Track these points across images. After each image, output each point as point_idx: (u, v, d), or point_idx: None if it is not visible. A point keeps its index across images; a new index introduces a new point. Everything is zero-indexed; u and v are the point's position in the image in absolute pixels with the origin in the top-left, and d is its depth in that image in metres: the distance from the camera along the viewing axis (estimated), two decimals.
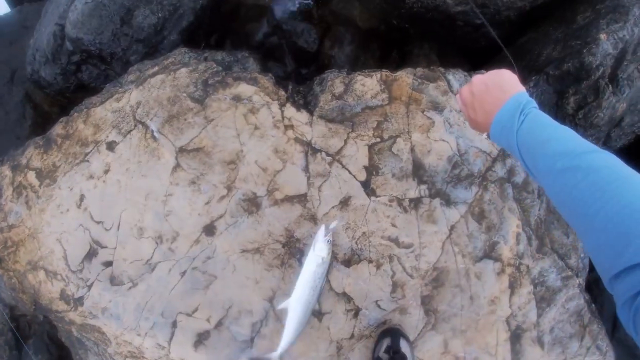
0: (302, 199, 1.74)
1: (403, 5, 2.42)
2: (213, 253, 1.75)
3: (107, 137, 1.85)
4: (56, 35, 2.94)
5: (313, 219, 1.73)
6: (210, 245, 1.75)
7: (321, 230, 1.61)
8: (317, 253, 1.58)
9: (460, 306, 1.71)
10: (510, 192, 1.85)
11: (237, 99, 1.84)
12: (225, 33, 3.18)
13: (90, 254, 1.76)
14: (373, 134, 1.79)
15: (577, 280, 1.86)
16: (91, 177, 1.81)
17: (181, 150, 1.80)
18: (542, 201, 2.06)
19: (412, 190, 1.77)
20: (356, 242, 1.73)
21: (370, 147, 1.77)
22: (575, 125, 2.37)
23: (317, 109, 1.81)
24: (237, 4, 3.34)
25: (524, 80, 2.34)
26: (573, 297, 1.84)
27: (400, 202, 1.76)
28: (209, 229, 1.74)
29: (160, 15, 2.96)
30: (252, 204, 1.75)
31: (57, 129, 1.95)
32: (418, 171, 1.79)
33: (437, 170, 1.80)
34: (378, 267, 1.73)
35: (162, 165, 1.79)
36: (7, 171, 1.94)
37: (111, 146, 1.83)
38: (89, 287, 1.76)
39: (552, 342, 1.77)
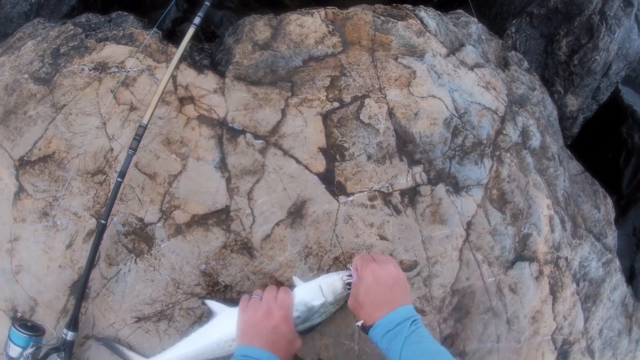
0: (222, 217, 0.94)
1: None
2: (92, 329, 0.95)
3: None
4: None
5: (247, 249, 0.93)
6: (85, 315, 0.93)
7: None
8: (322, 285, 0.87)
9: (496, 337, 1.17)
10: (531, 162, 1.20)
11: (101, 67, 1.03)
12: None
13: None
14: (327, 96, 1.02)
15: (617, 263, 1.52)
16: None
17: (22, 164, 0.99)
18: (564, 168, 1.38)
19: (403, 176, 1.02)
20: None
21: (326, 117, 1.00)
22: (570, 74, 1.93)
23: (231, 66, 1.01)
24: None
25: (503, 29, 1.91)
26: (617, 285, 1.48)
27: (386, 198, 0.99)
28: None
29: (33, 0, 2.12)
30: (139, 239, 0.94)
31: None
32: (406, 146, 1.04)
33: (432, 141, 1.07)
34: None
35: (1, 193, 1.01)
36: None
37: None
38: None
39: (602, 348, 1.41)
